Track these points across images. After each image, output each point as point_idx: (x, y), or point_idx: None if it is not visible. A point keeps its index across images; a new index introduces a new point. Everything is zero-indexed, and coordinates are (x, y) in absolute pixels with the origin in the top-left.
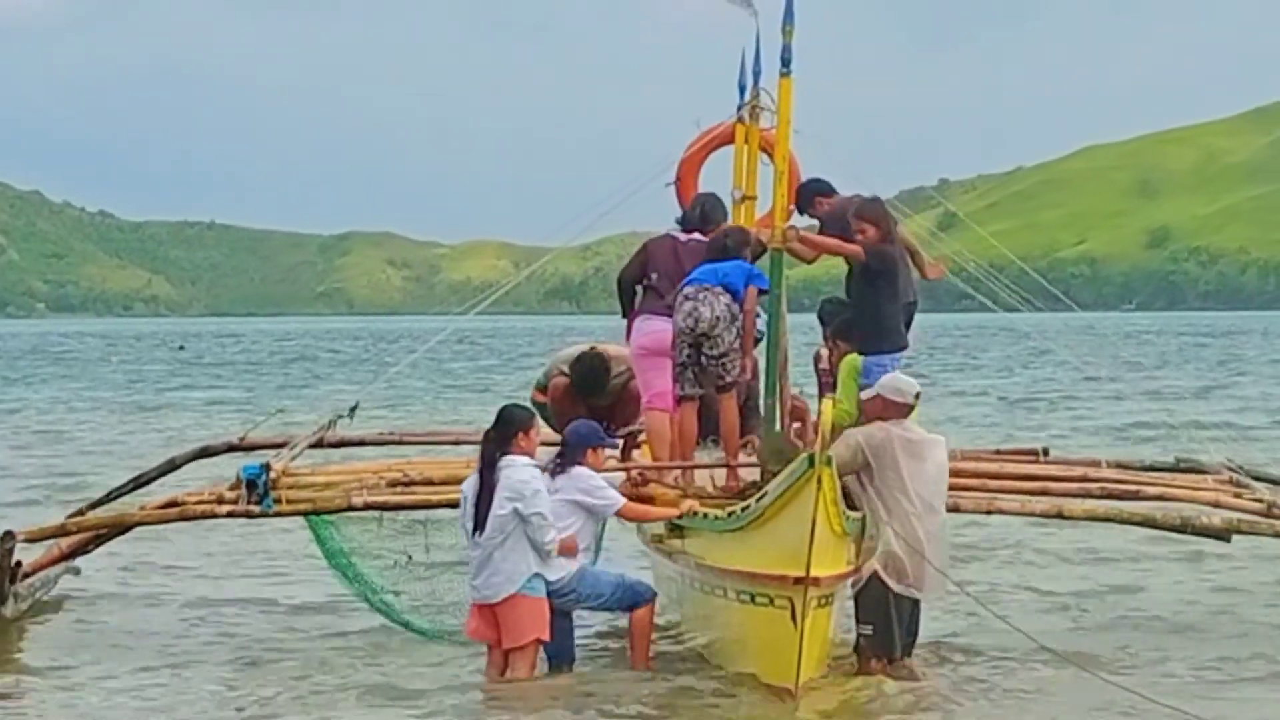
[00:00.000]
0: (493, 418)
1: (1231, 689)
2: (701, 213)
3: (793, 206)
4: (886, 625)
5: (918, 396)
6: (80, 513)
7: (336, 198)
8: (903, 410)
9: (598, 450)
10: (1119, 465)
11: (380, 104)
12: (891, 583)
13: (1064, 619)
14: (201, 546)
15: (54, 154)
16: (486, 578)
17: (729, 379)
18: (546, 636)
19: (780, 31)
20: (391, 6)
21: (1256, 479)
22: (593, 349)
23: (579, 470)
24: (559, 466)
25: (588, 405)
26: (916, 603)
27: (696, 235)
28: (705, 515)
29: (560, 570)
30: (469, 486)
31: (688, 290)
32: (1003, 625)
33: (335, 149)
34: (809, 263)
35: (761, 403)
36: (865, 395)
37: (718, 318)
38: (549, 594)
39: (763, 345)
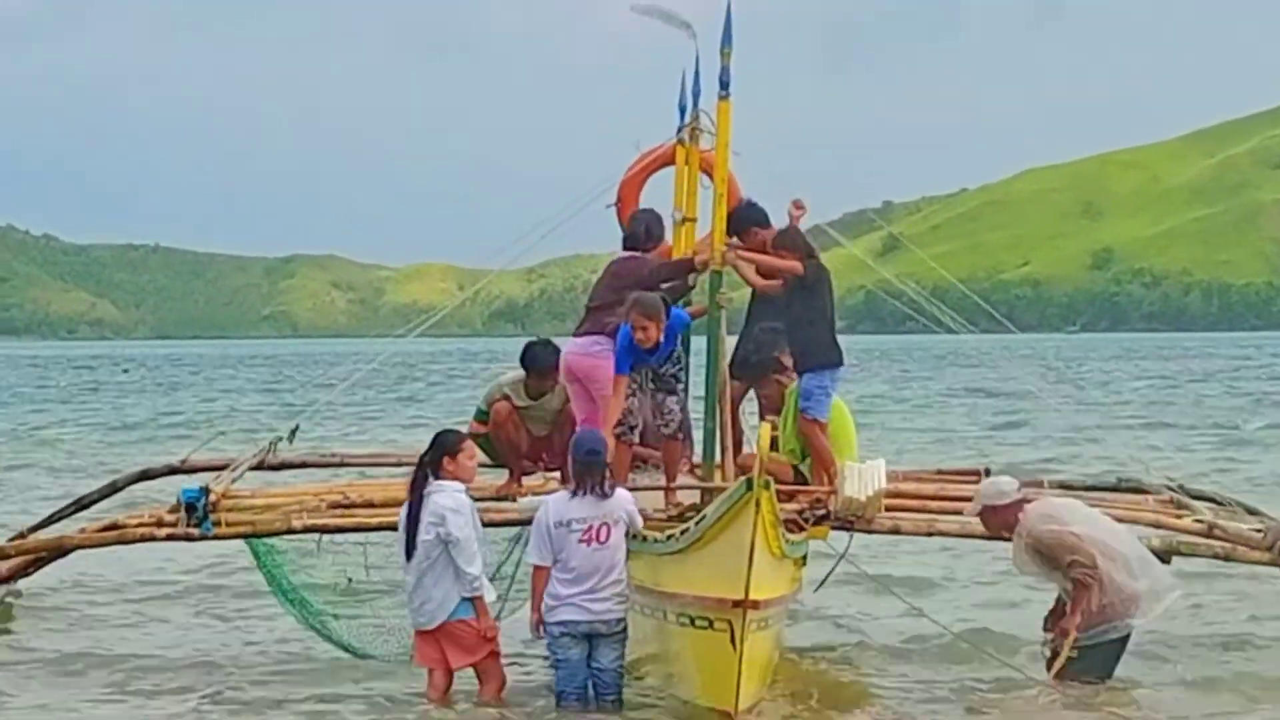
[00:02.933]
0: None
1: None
2: (646, 230)
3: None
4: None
5: (1020, 489)
6: (20, 535)
7: (281, 221)
8: (1015, 509)
9: None
10: (1061, 485)
11: (324, 128)
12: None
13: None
14: (142, 567)
15: None
16: (420, 604)
17: (672, 428)
18: (496, 650)
19: (719, 54)
20: (333, 31)
21: (1197, 499)
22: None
23: (624, 493)
24: (595, 489)
25: (531, 435)
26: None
27: (636, 253)
28: (644, 538)
29: (489, 591)
30: (403, 512)
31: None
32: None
33: (280, 172)
34: (751, 284)
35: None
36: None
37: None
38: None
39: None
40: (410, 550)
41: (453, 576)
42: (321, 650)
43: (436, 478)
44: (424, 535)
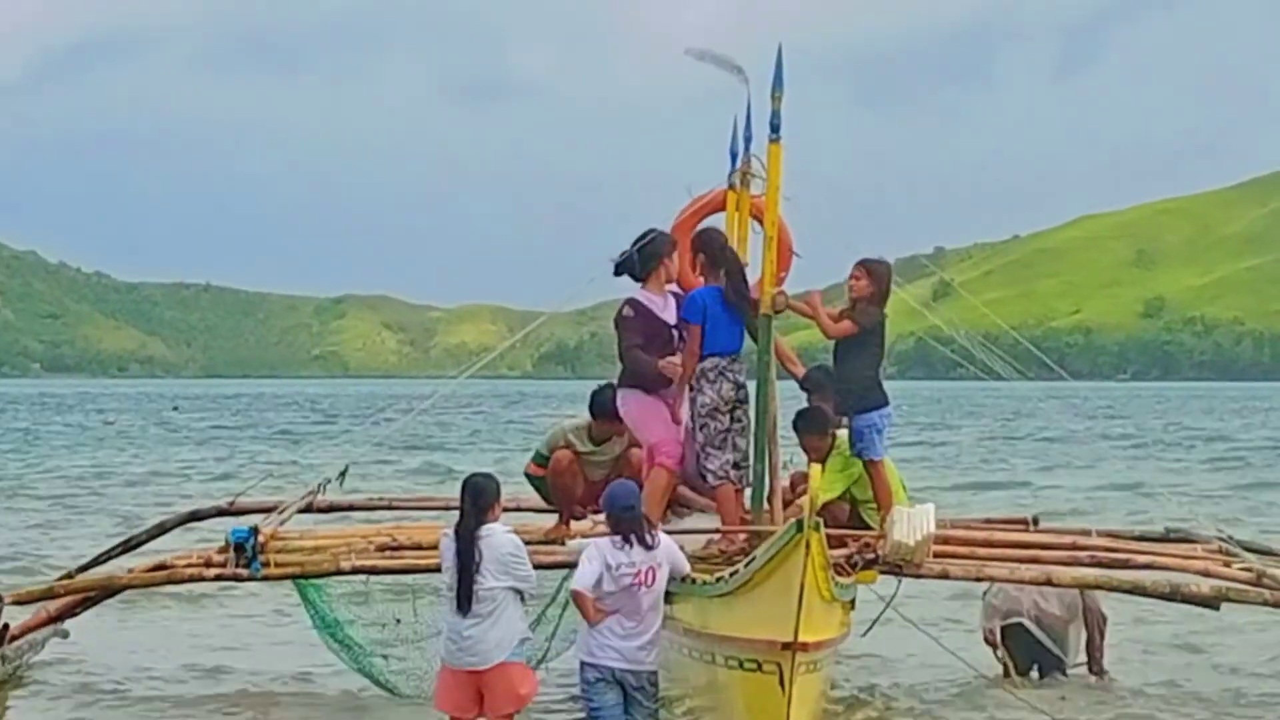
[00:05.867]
0: (461, 488)
1: None
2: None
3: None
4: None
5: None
6: (69, 575)
7: (332, 261)
8: None
9: None
10: (1109, 534)
11: (376, 169)
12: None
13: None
14: (188, 609)
15: (50, 214)
16: (473, 644)
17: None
18: (529, 698)
19: (769, 97)
20: (380, 72)
21: (1246, 549)
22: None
23: (666, 539)
24: (639, 541)
25: (587, 480)
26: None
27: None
28: (693, 580)
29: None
30: (450, 552)
31: (720, 364)
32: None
33: (331, 212)
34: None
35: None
36: None
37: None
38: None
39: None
40: (470, 599)
41: (511, 618)
42: (365, 690)
43: (484, 523)
44: (491, 583)
